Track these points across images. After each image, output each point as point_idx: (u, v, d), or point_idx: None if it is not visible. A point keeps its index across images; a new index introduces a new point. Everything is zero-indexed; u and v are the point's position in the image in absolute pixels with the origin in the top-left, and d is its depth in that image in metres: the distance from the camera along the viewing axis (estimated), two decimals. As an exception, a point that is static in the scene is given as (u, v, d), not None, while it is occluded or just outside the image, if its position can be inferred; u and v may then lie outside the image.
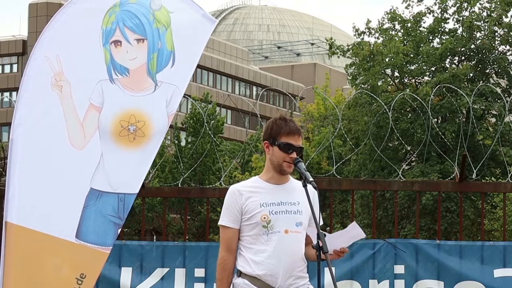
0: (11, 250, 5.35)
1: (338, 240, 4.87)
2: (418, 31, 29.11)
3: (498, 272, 7.33)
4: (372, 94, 24.00)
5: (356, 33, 29.82)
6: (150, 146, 5.73)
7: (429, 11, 29.29)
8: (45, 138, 5.48)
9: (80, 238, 5.53)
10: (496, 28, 28.60)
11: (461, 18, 28.82)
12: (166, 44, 5.73)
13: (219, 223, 5.06)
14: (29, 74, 5.46)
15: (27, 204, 5.41)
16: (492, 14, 28.25)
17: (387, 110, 10.09)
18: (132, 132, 5.64)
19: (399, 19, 29.17)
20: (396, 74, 29.61)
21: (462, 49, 28.66)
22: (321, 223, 5.15)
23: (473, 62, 28.70)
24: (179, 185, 8.80)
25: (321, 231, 4.73)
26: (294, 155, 4.88)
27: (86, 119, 5.53)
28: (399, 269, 7.39)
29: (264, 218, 4.92)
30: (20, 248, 5.39)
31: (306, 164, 5.49)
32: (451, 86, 20.46)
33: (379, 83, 28.71)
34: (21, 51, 60.88)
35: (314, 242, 4.70)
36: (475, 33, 28.54)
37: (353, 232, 4.91)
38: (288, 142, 4.89)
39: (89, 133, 5.54)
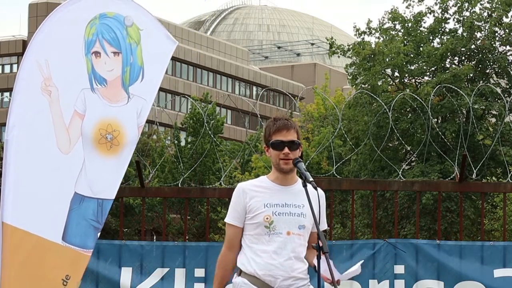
0: (7, 251, 5.39)
1: (340, 275, 4.86)
2: (419, 31, 29.10)
3: (498, 272, 7.33)
4: (372, 94, 23.99)
5: (357, 32, 29.81)
6: (124, 154, 5.99)
7: (429, 11, 29.28)
8: (36, 140, 5.60)
9: (65, 240, 5.71)
10: (496, 29, 28.60)
11: (461, 18, 28.82)
12: (137, 59, 6.03)
13: (225, 219, 5.08)
14: (22, 77, 5.58)
15: (20, 205, 5.50)
16: (492, 15, 28.25)
17: (387, 110, 10.09)
18: (109, 140, 5.89)
19: (400, 18, 29.16)
20: (396, 74, 29.61)
21: (463, 49, 28.65)
22: (325, 226, 5.15)
23: (473, 62, 28.69)
24: (179, 185, 8.80)
25: (322, 233, 4.73)
26: (286, 150, 4.91)
27: (71, 125, 5.72)
28: (399, 269, 7.38)
29: (267, 218, 4.93)
30: (14, 249, 5.45)
31: (306, 164, 5.49)
32: (451, 86, 20.44)
33: (379, 83, 28.70)
34: (21, 51, 60.89)
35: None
36: (476, 33, 28.53)
37: (355, 270, 4.91)
38: (277, 139, 4.93)
39: (73, 138, 5.74)
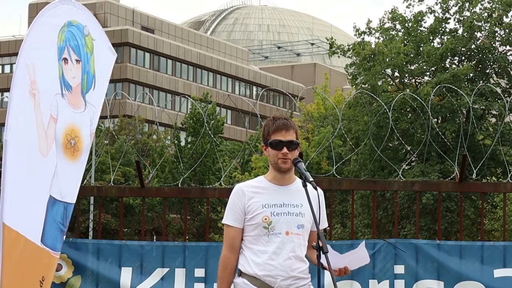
0: (6, 252, 5.45)
1: (345, 259, 4.87)
2: (419, 31, 29.11)
3: (498, 272, 7.32)
4: (372, 94, 24.00)
5: (357, 33, 29.82)
6: (81, 160, 6.18)
7: (430, 11, 29.30)
8: (26, 142, 5.66)
9: (43, 242, 5.79)
10: (496, 29, 28.61)
11: (462, 18, 28.82)
12: (91, 68, 6.20)
13: (223, 221, 5.06)
14: (17, 78, 5.63)
15: (14, 206, 5.55)
16: (492, 15, 28.26)
17: (387, 110, 10.08)
18: (73, 145, 6.05)
19: (400, 18, 29.17)
20: (396, 74, 29.62)
21: (463, 49, 28.66)
22: (326, 225, 5.14)
23: (473, 62, 28.70)
24: (179, 185, 8.79)
25: (322, 232, 4.73)
26: (285, 150, 4.90)
27: (48, 129, 5.82)
28: (399, 269, 7.37)
29: (266, 219, 4.92)
30: (10, 250, 5.50)
31: (306, 164, 5.48)
32: (451, 86, 20.44)
33: (379, 83, 28.71)
34: (21, 51, 60.81)
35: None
36: (476, 33, 28.54)
37: (360, 254, 4.90)
38: (276, 139, 4.92)
39: (50, 142, 5.83)
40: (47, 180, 5.82)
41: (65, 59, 5.93)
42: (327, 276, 6.70)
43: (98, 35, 6.25)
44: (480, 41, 28.36)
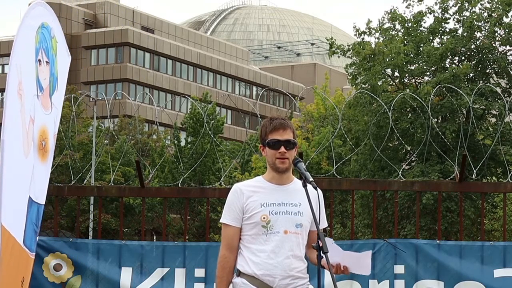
0: (4, 252, 5.45)
1: (345, 258, 4.86)
2: (419, 31, 29.11)
3: (498, 272, 7.32)
4: (372, 94, 23.99)
5: (357, 33, 29.81)
6: (48, 162, 6.21)
7: (429, 11, 29.30)
8: (16, 143, 5.68)
9: (24, 243, 5.82)
10: (496, 29, 28.60)
11: (461, 18, 28.82)
12: (55, 70, 6.25)
13: (221, 220, 5.06)
14: (10, 79, 5.66)
15: (7, 207, 5.56)
16: (492, 15, 28.24)
17: (387, 110, 10.08)
18: (44, 147, 6.08)
19: (400, 18, 29.17)
20: (396, 74, 29.60)
21: (463, 49, 28.65)
22: (325, 225, 5.15)
23: (473, 62, 28.69)
24: (179, 185, 8.79)
25: (321, 232, 4.73)
26: (282, 149, 4.91)
27: (29, 129, 5.84)
28: (399, 269, 7.37)
29: (264, 218, 4.92)
30: (5, 250, 5.53)
31: (306, 164, 5.48)
32: (451, 86, 20.42)
33: (379, 83, 28.70)
34: (21, 51, 60.79)
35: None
36: (476, 33, 28.53)
37: (363, 261, 4.90)
38: (273, 138, 4.93)
39: (29, 142, 5.86)
40: (28, 181, 5.83)
41: (40, 61, 5.95)
42: (327, 276, 6.70)
43: (59, 38, 6.28)
44: (480, 41, 28.34)
